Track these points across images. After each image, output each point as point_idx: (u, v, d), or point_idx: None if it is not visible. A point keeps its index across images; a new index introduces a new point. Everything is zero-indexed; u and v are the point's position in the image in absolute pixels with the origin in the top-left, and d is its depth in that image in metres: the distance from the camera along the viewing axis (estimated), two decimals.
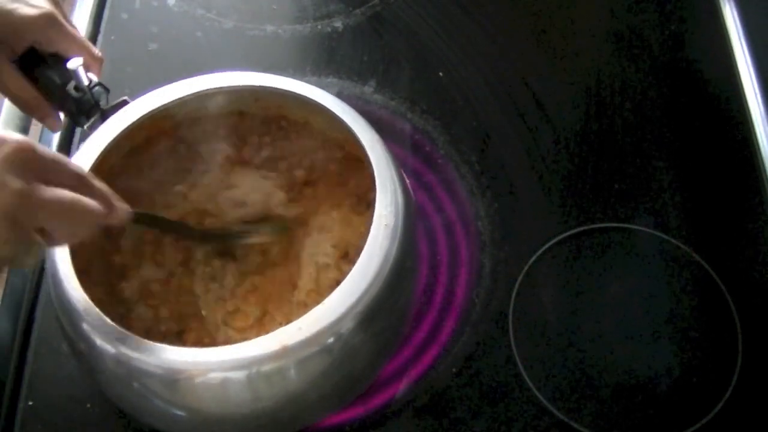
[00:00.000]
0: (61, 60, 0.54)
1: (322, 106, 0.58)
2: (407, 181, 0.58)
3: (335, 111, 0.57)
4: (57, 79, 0.54)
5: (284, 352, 0.47)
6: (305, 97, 0.58)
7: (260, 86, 0.59)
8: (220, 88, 0.59)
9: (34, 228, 0.42)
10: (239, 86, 0.59)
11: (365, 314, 0.49)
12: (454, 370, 0.61)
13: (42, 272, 0.66)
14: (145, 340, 0.47)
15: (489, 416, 0.59)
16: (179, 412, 0.50)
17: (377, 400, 0.60)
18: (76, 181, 0.44)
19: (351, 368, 0.52)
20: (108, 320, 0.48)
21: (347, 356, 0.51)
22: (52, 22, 0.52)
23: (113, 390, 0.53)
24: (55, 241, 0.44)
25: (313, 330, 0.48)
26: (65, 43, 0.54)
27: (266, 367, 0.47)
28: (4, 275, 0.65)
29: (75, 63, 0.53)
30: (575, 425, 0.58)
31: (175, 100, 0.58)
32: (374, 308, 0.50)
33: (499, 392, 0.60)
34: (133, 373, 0.48)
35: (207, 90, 0.59)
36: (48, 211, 0.42)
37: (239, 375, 0.47)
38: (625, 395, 0.60)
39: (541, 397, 0.60)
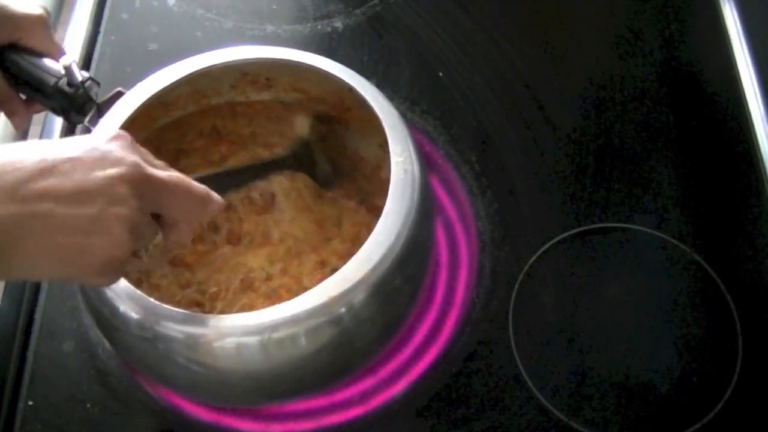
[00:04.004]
0: (44, 59, 0.54)
1: (316, 67, 0.58)
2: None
3: (330, 70, 0.58)
4: (49, 78, 0.54)
5: (332, 301, 0.49)
6: (296, 61, 0.59)
7: (251, 58, 0.60)
8: (213, 65, 0.59)
9: (151, 210, 0.43)
10: (229, 61, 0.60)
11: (401, 257, 0.51)
12: (454, 370, 0.61)
13: None
14: (167, 306, 0.49)
15: (489, 416, 0.59)
16: (198, 374, 0.51)
17: (377, 400, 0.60)
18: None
19: (392, 308, 0.54)
20: (131, 286, 0.49)
21: (389, 298, 0.52)
22: (43, 23, 0.54)
23: (132, 355, 0.54)
24: (170, 228, 0.45)
25: (359, 274, 0.49)
26: (51, 45, 0.55)
27: (278, 334, 0.49)
28: None
29: (68, 59, 0.54)
30: (575, 425, 0.58)
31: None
32: (406, 251, 0.51)
33: (499, 392, 0.60)
34: (153, 338, 0.49)
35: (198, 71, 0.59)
36: (166, 187, 0.43)
37: (252, 340, 0.49)
38: (625, 395, 0.60)
39: (541, 397, 0.60)
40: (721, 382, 0.60)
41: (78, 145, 0.41)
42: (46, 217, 0.38)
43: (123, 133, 0.43)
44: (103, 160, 0.40)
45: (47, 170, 0.38)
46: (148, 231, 0.43)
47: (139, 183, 0.41)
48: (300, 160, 0.64)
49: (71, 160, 0.39)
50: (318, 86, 0.62)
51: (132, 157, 0.42)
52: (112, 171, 0.40)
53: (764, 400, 0.60)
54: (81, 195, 0.39)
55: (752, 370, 0.61)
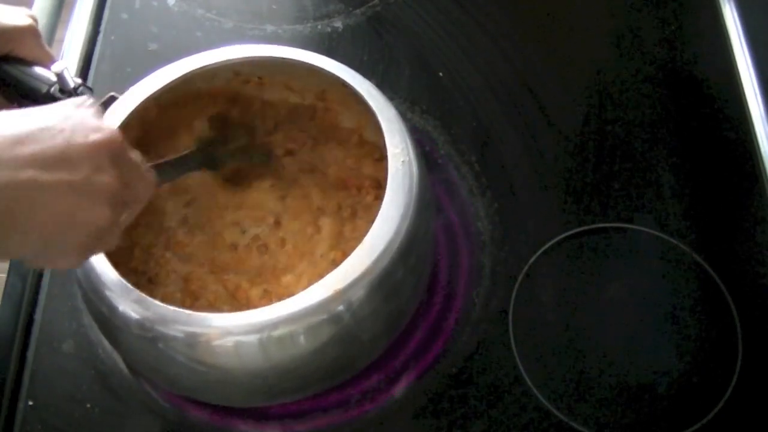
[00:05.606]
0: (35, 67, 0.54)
1: (308, 63, 0.59)
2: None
3: (323, 66, 0.58)
4: (41, 86, 0.54)
5: (332, 297, 0.49)
6: (287, 59, 0.59)
7: (242, 57, 0.60)
8: (204, 66, 0.59)
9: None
10: (223, 61, 0.60)
11: (402, 248, 0.51)
12: (454, 370, 0.61)
13: (42, 272, 0.66)
14: (167, 306, 0.49)
15: (489, 416, 0.59)
16: (198, 373, 0.51)
17: (377, 400, 0.60)
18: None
19: (395, 302, 0.54)
20: (130, 286, 0.50)
21: (392, 291, 0.53)
22: (33, 32, 0.54)
23: (133, 355, 0.55)
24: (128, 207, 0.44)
25: (362, 267, 0.49)
26: (42, 53, 0.55)
27: (277, 332, 0.49)
28: (3, 275, 0.65)
29: (59, 66, 0.54)
30: (575, 425, 0.58)
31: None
32: (408, 241, 0.52)
33: (499, 392, 0.60)
34: (153, 337, 0.49)
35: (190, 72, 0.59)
36: (134, 162, 0.43)
37: (252, 338, 0.49)
38: (625, 395, 0.60)
39: (541, 397, 0.60)
40: (721, 382, 0.60)
41: (49, 114, 0.39)
42: (31, 186, 0.36)
43: (89, 100, 0.42)
44: (83, 127, 0.39)
45: (23, 138, 0.37)
46: (128, 200, 0.43)
47: (117, 152, 0.41)
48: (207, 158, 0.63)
49: (48, 128, 0.38)
50: (311, 83, 0.62)
51: (108, 125, 0.41)
52: (94, 137, 0.39)
53: (764, 400, 0.60)
54: (65, 161, 0.38)
55: (752, 370, 0.61)
